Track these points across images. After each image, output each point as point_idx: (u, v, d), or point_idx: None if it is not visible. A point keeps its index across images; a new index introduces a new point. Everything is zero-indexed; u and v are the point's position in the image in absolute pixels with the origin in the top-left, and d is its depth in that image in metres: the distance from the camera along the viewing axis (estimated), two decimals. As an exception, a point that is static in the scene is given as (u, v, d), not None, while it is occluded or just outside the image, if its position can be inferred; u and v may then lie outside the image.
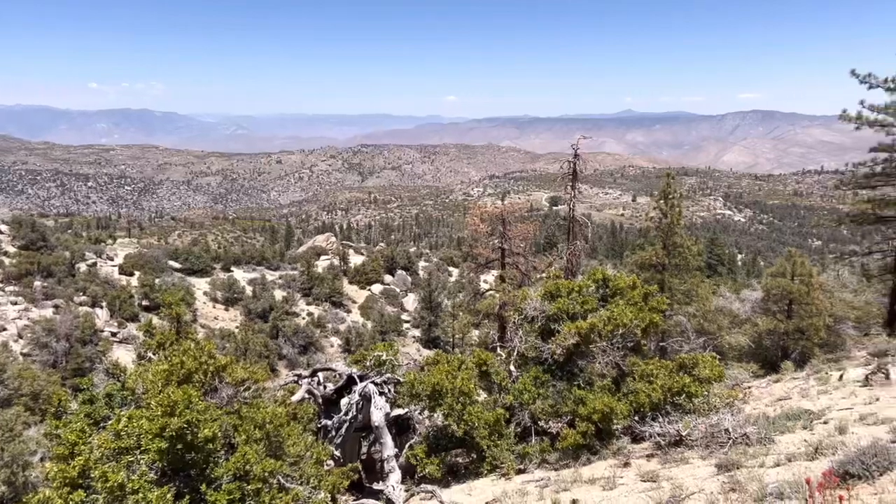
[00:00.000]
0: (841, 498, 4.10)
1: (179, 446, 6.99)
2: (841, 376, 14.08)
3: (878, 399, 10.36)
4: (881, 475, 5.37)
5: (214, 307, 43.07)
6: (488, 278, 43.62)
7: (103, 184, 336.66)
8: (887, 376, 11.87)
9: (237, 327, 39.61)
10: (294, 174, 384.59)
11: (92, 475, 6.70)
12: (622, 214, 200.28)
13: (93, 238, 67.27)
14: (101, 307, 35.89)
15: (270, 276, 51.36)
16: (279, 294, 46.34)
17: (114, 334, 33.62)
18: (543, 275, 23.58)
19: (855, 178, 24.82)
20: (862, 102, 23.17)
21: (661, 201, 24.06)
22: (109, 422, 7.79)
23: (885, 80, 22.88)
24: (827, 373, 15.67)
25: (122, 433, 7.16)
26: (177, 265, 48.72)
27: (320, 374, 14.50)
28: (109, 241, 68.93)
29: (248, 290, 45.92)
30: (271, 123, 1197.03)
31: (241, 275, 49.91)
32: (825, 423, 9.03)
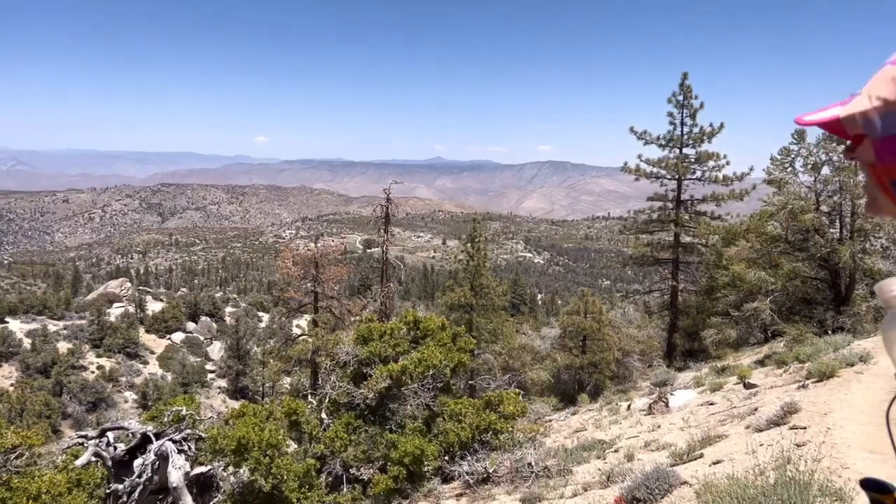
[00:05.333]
0: (629, 523, 4.39)
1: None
2: (629, 406, 15.37)
3: (659, 426, 11.40)
4: (662, 497, 5.85)
5: (-17, 364, 37.71)
6: (301, 323, 42.53)
7: None
8: (667, 405, 13.14)
9: (12, 385, 34.95)
10: (84, 214, 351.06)
11: None
12: (433, 257, 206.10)
13: None
14: None
15: (54, 326, 46.09)
16: (64, 346, 41.66)
17: None
18: (358, 318, 23.46)
19: (636, 224, 27.62)
20: (640, 156, 26.07)
21: (469, 245, 25.09)
22: None
23: (658, 138, 25.94)
24: (617, 403, 17.06)
25: None
26: (-66, 317, 42.15)
27: (110, 434, 13.06)
28: None
29: (27, 342, 40.82)
30: (58, 159, 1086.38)
31: (17, 325, 44.28)
32: (616, 451, 9.74)
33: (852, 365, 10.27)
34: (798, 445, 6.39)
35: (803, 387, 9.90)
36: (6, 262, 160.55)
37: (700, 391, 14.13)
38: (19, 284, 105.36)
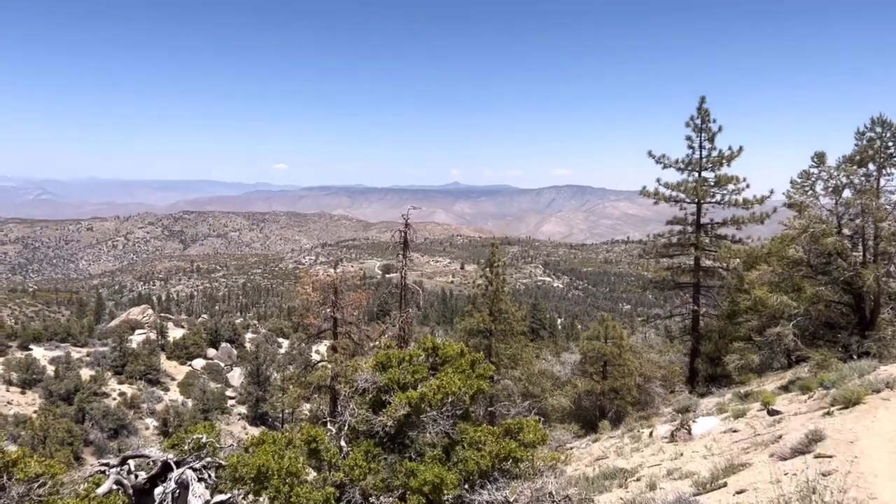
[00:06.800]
0: (651, 555, 4.34)
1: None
2: (651, 433, 15.17)
3: (682, 454, 11.24)
4: (685, 528, 5.76)
5: (8, 390, 38.21)
6: (320, 349, 42.57)
7: None
8: (689, 432, 12.96)
9: (35, 412, 35.29)
10: (107, 242, 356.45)
11: None
12: (452, 281, 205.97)
13: None
14: None
15: (77, 353, 46.64)
16: (86, 373, 42.07)
17: None
18: (376, 344, 23.45)
19: (656, 247, 27.45)
20: (658, 180, 26.00)
21: (487, 269, 25.09)
22: None
23: (677, 161, 25.88)
24: (639, 430, 16.84)
25: None
26: (-39, 344, 42.84)
27: (131, 462, 13.09)
28: None
29: (50, 369, 41.32)
30: (83, 188, 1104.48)
31: (41, 353, 44.90)
32: (638, 480, 9.62)
33: (878, 391, 10.09)
34: (824, 475, 6.28)
35: (828, 414, 9.73)
36: (31, 289, 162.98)
37: (723, 418, 13.92)
38: (43, 312, 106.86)
